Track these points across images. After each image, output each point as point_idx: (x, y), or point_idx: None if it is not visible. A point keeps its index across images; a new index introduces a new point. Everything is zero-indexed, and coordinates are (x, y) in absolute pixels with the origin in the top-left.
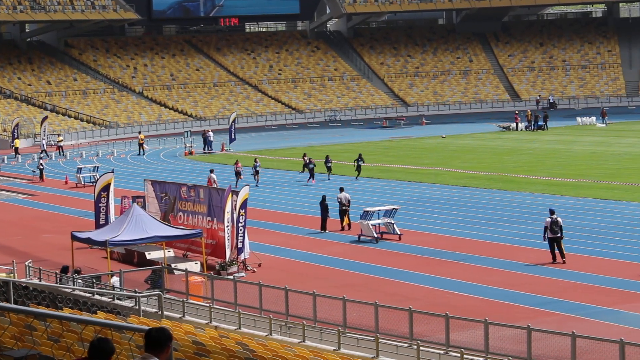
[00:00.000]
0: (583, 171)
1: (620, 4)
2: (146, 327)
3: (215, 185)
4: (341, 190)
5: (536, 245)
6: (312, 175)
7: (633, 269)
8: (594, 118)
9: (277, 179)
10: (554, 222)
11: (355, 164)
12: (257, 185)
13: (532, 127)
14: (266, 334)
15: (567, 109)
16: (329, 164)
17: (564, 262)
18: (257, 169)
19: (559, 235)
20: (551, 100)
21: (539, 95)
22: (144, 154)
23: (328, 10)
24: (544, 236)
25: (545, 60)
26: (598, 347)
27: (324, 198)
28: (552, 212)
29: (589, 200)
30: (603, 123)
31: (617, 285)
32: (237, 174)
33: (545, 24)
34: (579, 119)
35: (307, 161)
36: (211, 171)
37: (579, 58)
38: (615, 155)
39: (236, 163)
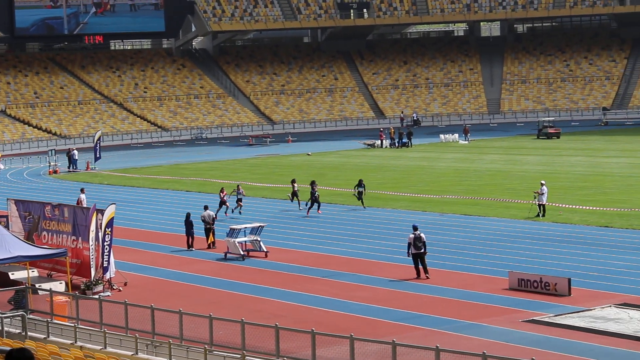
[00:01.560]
0: (446, 187)
1: (482, 23)
2: (7, 349)
3: (84, 205)
4: (205, 208)
5: (401, 260)
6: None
7: (495, 283)
8: (456, 135)
9: (143, 197)
10: (417, 238)
11: (355, 190)
12: (240, 213)
13: (397, 145)
14: (132, 353)
15: (431, 126)
16: (315, 194)
17: (427, 277)
18: (240, 196)
19: (422, 250)
20: (415, 118)
21: (402, 113)
22: None
23: (193, 28)
24: (408, 252)
25: (409, 79)
26: None
27: (188, 215)
28: (415, 228)
29: (452, 216)
30: (465, 140)
31: (480, 299)
32: (223, 202)
33: (408, 43)
34: (442, 136)
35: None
36: (82, 191)
37: (442, 76)
38: (477, 172)
39: (221, 191)
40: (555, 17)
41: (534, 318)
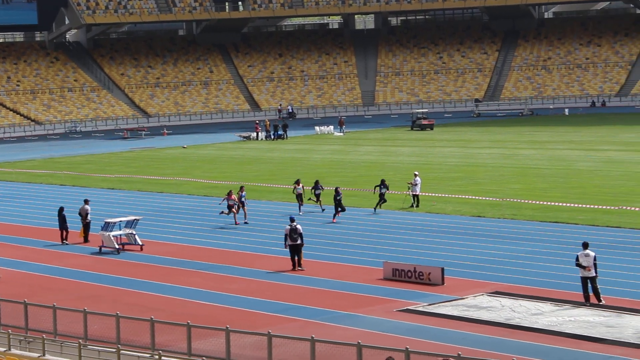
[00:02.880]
0: (322, 179)
1: (356, 16)
2: None
3: None
4: (86, 202)
5: (277, 252)
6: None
7: (370, 274)
8: (331, 127)
9: (17, 191)
10: (293, 230)
11: (376, 190)
12: (246, 223)
13: (272, 137)
14: (5, 349)
15: (306, 118)
16: (318, 191)
17: (301, 269)
18: (243, 199)
19: (298, 242)
20: (290, 110)
21: (280, 105)
22: None
23: (67, 21)
24: (285, 244)
25: (284, 71)
26: (337, 350)
27: (61, 209)
28: (292, 220)
29: (328, 207)
30: (341, 132)
31: (355, 289)
32: (230, 207)
33: (284, 36)
34: (317, 128)
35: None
36: None
37: (317, 69)
38: (352, 163)
39: (229, 194)
40: (428, 10)
41: (408, 307)
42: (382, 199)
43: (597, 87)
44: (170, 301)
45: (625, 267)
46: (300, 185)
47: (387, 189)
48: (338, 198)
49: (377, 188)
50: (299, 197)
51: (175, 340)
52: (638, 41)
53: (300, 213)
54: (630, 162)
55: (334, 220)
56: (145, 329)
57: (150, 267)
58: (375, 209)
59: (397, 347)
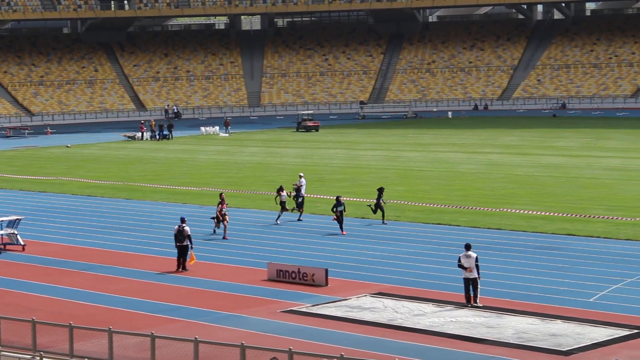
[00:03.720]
0: (207, 180)
1: (242, 17)
2: None
3: None
4: None
5: (161, 253)
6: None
7: (254, 275)
8: (217, 128)
9: None
10: (180, 232)
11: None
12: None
13: (157, 137)
14: None
15: (192, 118)
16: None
17: (182, 270)
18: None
19: (185, 244)
20: (175, 110)
21: (168, 105)
22: None
23: None
24: (175, 244)
25: (170, 71)
26: (220, 351)
27: None
28: (182, 221)
29: (212, 208)
30: (226, 133)
31: (239, 290)
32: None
33: (170, 35)
34: (203, 128)
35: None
36: None
37: (203, 69)
38: (237, 164)
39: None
40: (314, 12)
41: (292, 308)
42: (380, 208)
43: (480, 90)
44: (51, 301)
45: (506, 269)
46: (285, 192)
47: (383, 200)
48: (339, 209)
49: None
50: (283, 205)
51: (57, 341)
52: (520, 45)
53: (278, 222)
54: (511, 165)
55: (344, 233)
56: (27, 330)
57: (31, 267)
58: (383, 221)
59: (280, 347)
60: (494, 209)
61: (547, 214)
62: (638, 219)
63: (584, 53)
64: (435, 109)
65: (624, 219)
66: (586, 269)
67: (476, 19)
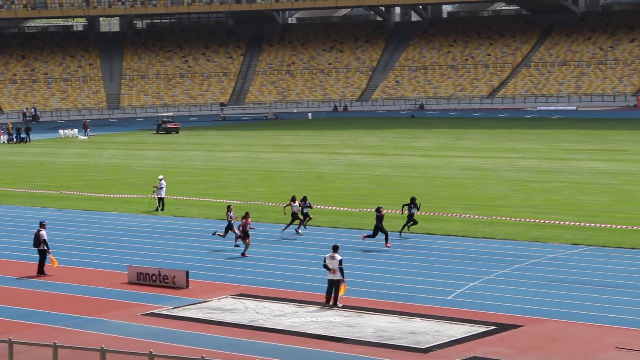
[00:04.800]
0: (65, 183)
1: (101, 19)
2: None
3: None
4: None
5: (21, 257)
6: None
7: (115, 278)
8: (76, 130)
9: None
10: (36, 237)
11: (404, 211)
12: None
13: (15, 140)
14: None
15: (50, 121)
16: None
17: (44, 275)
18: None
19: (41, 248)
20: (33, 113)
21: (25, 108)
22: None
23: None
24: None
25: (27, 73)
26: (80, 355)
27: None
28: (41, 225)
29: (71, 211)
30: (85, 135)
31: (99, 294)
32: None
33: (26, 37)
34: (61, 131)
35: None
36: None
37: (61, 71)
38: (97, 167)
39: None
40: (174, 14)
41: (153, 311)
42: (411, 219)
43: (339, 91)
44: None
45: (366, 268)
46: (297, 202)
47: (418, 209)
48: (305, 211)
49: (406, 207)
50: (295, 216)
51: None
52: (378, 47)
53: (301, 232)
54: (370, 165)
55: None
56: None
57: None
58: (401, 232)
59: (141, 350)
60: (354, 209)
61: (406, 213)
62: (495, 217)
63: (441, 54)
64: (295, 110)
65: (481, 217)
66: (444, 267)
67: (335, 20)
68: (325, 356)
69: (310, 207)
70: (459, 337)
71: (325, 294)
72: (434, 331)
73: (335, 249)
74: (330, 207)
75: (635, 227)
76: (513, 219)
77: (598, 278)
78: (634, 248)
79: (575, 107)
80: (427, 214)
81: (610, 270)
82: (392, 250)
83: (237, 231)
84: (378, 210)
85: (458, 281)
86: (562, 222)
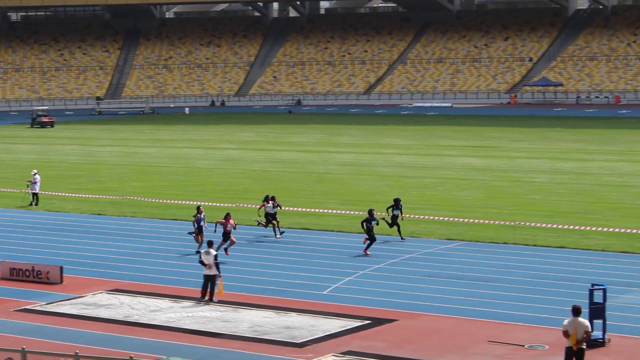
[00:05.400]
0: None
1: None
2: None
3: None
4: None
5: None
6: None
7: None
8: None
9: None
10: None
11: (390, 213)
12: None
13: None
14: None
15: None
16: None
17: None
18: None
19: None
20: None
21: None
22: None
23: None
24: None
25: None
26: None
27: None
28: None
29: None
30: None
31: None
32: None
33: None
34: None
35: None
36: None
37: None
38: None
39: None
40: (49, 7)
41: (26, 307)
42: (395, 221)
43: (217, 86)
44: None
45: (242, 263)
46: (271, 202)
47: (401, 212)
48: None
49: (391, 209)
50: (270, 217)
51: None
52: (256, 43)
53: (279, 236)
54: (247, 161)
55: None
56: None
57: None
58: (401, 236)
59: (14, 347)
60: (230, 204)
61: (282, 208)
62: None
63: (318, 50)
64: (172, 105)
65: (357, 212)
66: (320, 262)
67: (213, 15)
68: (200, 351)
69: (279, 207)
70: (334, 331)
71: (201, 289)
72: (310, 326)
73: (210, 244)
74: (206, 203)
75: (507, 223)
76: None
77: (471, 273)
78: (506, 243)
79: (450, 104)
80: (303, 209)
81: (483, 265)
82: (268, 245)
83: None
84: (370, 213)
85: (334, 276)
86: (437, 218)
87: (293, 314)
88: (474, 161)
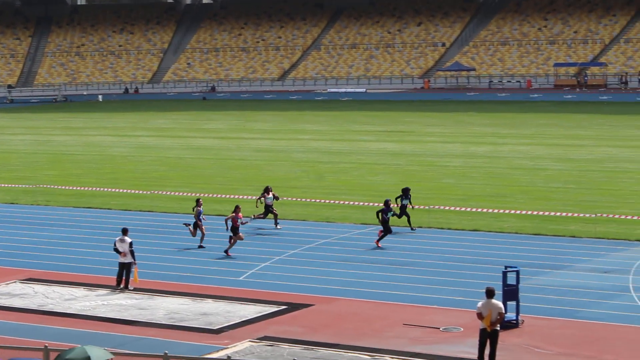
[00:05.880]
0: None
1: None
2: None
3: None
4: None
5: None
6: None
7: None
8: None
9: None
10: None
11: (398, 203)
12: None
13: None
14: None
15: None
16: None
17: None
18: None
19: None
20: None
21: None
22: None
23: None
24: None
25: None
26: None
27: None
28: None
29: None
30: None
31: None
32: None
33: None
34: None
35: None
36: None
37: None
38: None
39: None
40: None
41: None
42: (404, 211)
43: (130, 74)
44: None
45: (158, 250)
46: (271, 194)
47: (410, 201)
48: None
49: (399, 200)
50: (268, 209)
51: None
52: (170, 29)
53: (279, 227)
54: (162, 148)
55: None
56: None
57: None
58: (411, 227)
59: None
60: (145, 192)
61: (197, 195)
62: (287, 198)
63: (232, 37)
64: (85, 93)
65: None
66: (236, 248)
67: (126, 2)
68: (116, 339)
69: (276, 198)
70: (251, 317)
71: (116, 277)
72: (226, 312)
73: (124, 231)
74: (121, 190)
75: (421, 207)
76: (304, 199)
77: (386, 257)
78: (420, 227)
79: (364, 90)
80: (219, 196)
81: (398, 249)
82: (185, 232)
83: (203, 229)
84: (386, 203)
85: (249, 262)
86: (352, 202)
87: (209, 300)
88: (388, 146)
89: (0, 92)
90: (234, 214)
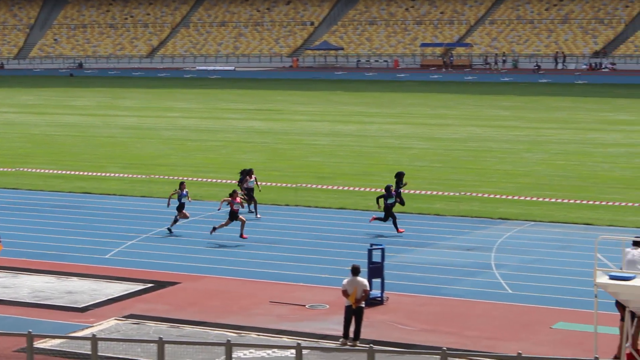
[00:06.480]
0: None
1: None
2: None
3: None
4: None
5: None
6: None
7: None
8: None
9: None
10: None
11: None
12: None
13: None
14: None
15: None
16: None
17: None
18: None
19: None
20: None
21: None
22: None
23: None
24: None
25: None
26: None
27: None
28: None
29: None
30: None
31: None
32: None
33: None
34: None
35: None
36: None
37: None
38: None
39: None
40: None
41: None
42: (398, 198)
43: None
44: None
45: (22, 228)
46: (253, 177)
47: (402, 186)
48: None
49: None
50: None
51: None
52: (36, 5)
53: (259, 216)
54: (28, 124)
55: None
56: None
57: None
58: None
59: None
60: (10, 169)
61: (64, 172)
62: (153, 176)
63: (100, 13)
64: None
65: (140, 176)
66: (102, 226)
67: None
68: None
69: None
70: (117, 295)
71: None
72: (92, 290)
73: None
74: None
75: (288, 185)
76: (172, 177)
77: (254, 235)
78: (287, 205)
79: (233, 68)
80: (85, 173)
81: (265, 227)
82: (48, 210)
83: (187, 214)
84: (387, 189)
85: (116, 240)
86: (220, 180)
87: (74, 278)
88: (256, 124)
89: None
90: (229, 198)
